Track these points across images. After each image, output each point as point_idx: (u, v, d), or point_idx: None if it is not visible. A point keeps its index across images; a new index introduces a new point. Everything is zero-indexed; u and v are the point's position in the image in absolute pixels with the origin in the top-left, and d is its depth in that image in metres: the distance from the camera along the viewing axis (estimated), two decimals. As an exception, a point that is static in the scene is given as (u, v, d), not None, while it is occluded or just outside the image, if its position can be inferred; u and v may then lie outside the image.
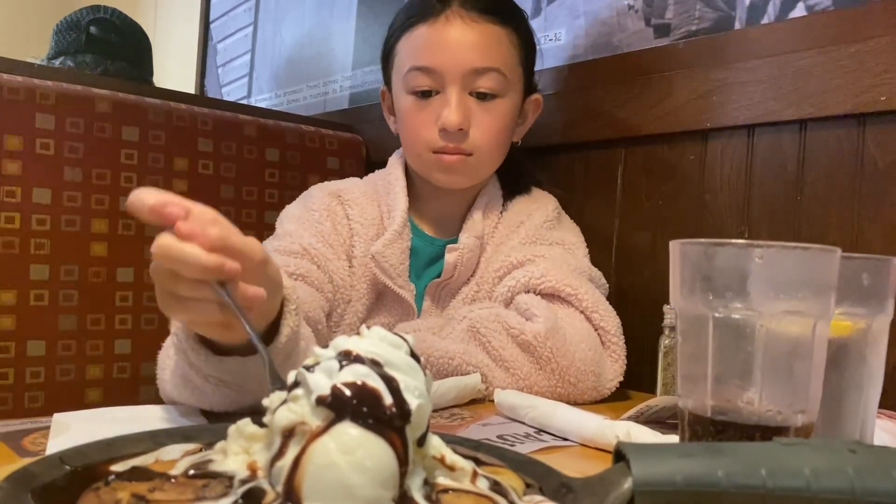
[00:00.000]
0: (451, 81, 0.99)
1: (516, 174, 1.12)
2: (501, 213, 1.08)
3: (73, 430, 0.64)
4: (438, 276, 1.03)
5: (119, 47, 1.82)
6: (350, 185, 1.10)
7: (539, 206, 1.09)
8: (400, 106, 1.05)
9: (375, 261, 1.00)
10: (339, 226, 1.04)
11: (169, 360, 0.75)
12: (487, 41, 1.00)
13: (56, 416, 0.68)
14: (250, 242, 0.59)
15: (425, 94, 1.01)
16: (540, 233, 1.06)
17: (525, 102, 1.08)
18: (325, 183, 1.11)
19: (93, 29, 1.77)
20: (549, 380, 0.89)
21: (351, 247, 1.03)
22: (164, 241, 0.55)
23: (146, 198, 0.56)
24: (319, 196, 1.06)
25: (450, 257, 1.02)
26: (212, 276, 0.56)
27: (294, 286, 0.71)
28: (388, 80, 1.10)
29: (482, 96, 1.00)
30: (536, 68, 1.19)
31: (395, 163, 1.10)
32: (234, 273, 0.56)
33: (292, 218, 1.05)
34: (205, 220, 0.56)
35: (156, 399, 1.22)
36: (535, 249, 1.02)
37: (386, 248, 1.01)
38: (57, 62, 1.78)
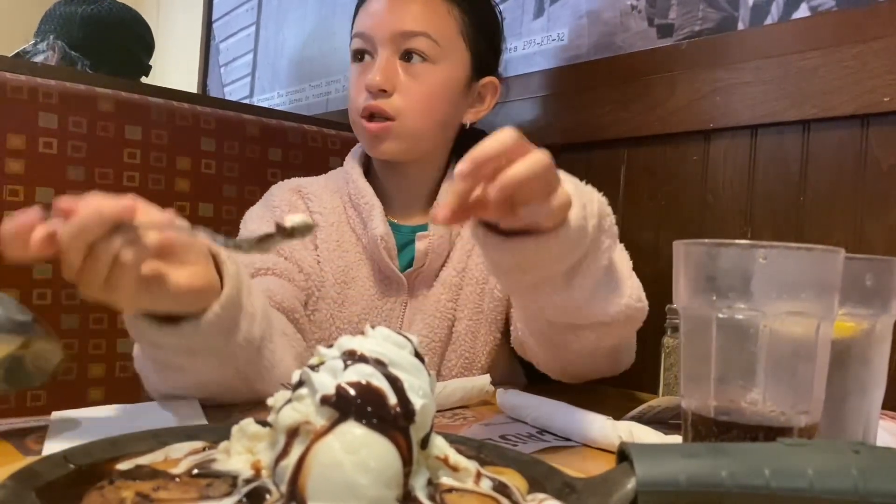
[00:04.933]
0: (380, 44, 1.01)
1: None
2: None
3: (71, 428, 0.64)
4: (409, 263, 1.03)
5: (118, 37, 1.81)
6: (311, 179, 1.11)
7: None
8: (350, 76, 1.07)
9: (385, 242, 1.01)
10: None
11: (142, 360, 0.76)
12: (420, 7, 1.01)
13: (54, 414, 0.67)
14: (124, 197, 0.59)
15: (361, 59, 1.03)
16: None
17: (478, 84, 1.07)
18: (287, 180, 1.12)
19: (83, 10, 1.76)
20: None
21: (314, 237, 1.04)
22: (65, 226, 0.55)
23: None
24: (280, 192, 1.08)
25: (420, 245, 1.02)
26: (114, 218, 0.56)
27: (230, 255, 0.71)
28: None
29: (408, 57, 1.01)
30: (536, 68, 1.19)
31: (353, 151, 1.11)
32: (131, 208, 0.57)
33: (255, 217, 1.06)
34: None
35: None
36: None
37: (384, 230, 1.01)
38: (42, 46, 1.76)
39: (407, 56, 1.00)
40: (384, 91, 0.99)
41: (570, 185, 0.68)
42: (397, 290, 1.03)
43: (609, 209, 0.75)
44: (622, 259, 0.85)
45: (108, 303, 0.61)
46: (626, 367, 0.95)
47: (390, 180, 1.08)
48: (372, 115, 1.00)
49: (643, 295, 0.84)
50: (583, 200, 0.68)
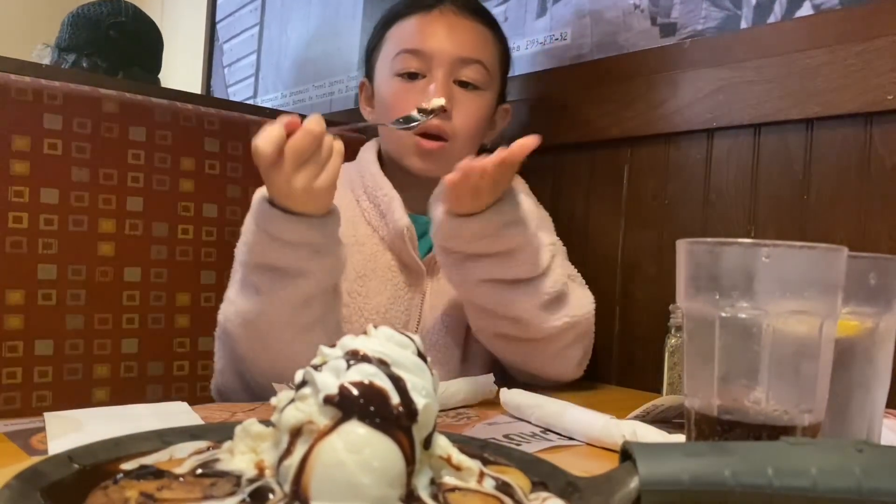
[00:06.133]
0: (438, 65, 1.03)
1: None
2: None
3: (75, 429, 0.64)
4: (424, 253, 1.06)
5: (136, 53, 1.82)
6: None
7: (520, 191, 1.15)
8: (384, 90, 1.08)
9: (409, 233, 1.03)
10: None
11: (231, 299, 0.89)
12: (475, 36, 1.07)
13: (47, 415, 0.67)
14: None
15: (412, 77, 1.04)
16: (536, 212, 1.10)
17: (497, 110, 1.13)
18: None
19: (112, 33, 1.77)
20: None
21: None
22: (294, 140, 0.79)
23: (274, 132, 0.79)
24: None
25: None
26: (323, 133, 0.80)
27: None
28: (369, 70, 1.14)
29: (464, 84, 1.04)
30: (540, 68, 1.19)
31: (367, 147, 1.13)
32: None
33: None
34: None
35: (162, 398, 1.22)
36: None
37: (408, 220, 1.03)
38: (70, 58, 1.77)
39: (462, 84, 1.04)
40: (444, 111, 1.01)
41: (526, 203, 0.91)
42: (417, 277, 1.06)
43: (551, 246, 0.97)
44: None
45: (305, 193, 0.80)
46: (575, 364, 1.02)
47: (403, 181, 1.09)
48: (426, 134, 1.02)
49: (578, 311, 0.98)
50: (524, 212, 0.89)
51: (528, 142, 0.81)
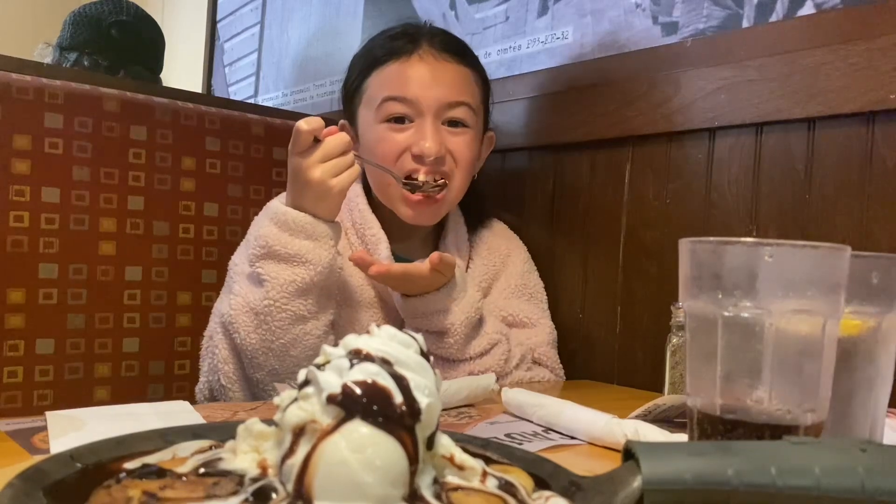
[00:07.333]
0: (426, 112, 1.03)
1: (478, 205, 1.19)
2: (470, 245, 1.15)
3: (77, 428, 0.64)
4: None
5: (137, 51, 1.83)
6: None
7: (512, 251, 1.18)
8: (370, 136, 1.07)
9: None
10: None
11: (237, 292, 0.95)
12: (458, 78, 1.07)
13: (48, 414, 0.67)
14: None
15: (398, 121, 1.04)
16: (522, 282, 1.16)
17: (483, 140, 1.14)
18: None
19: (114, 31, 1.77)
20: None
21: None
22: (331, 136, 0.90)
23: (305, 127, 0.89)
24: None
25: None
26: (349, 147, 0.91)
27: None
28: (350, 114, 1.14)
29: (454, 124, 1.05)
30: (541, 67, 1.19)
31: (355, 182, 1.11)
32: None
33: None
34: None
35: (163, 397, 1.23)
36: (529, 311, 1.14)
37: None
38: (72, 56, 1.77)
39: (451, 123, 1.05)
40: (437, 158, 1.02)
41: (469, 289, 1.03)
42: (397, 314, 1.06)
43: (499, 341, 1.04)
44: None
45: (319, 186, 0.90)
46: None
47: (393, 215, 1.09)
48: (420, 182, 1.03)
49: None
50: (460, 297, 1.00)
51: (445, 262, 0.95)
